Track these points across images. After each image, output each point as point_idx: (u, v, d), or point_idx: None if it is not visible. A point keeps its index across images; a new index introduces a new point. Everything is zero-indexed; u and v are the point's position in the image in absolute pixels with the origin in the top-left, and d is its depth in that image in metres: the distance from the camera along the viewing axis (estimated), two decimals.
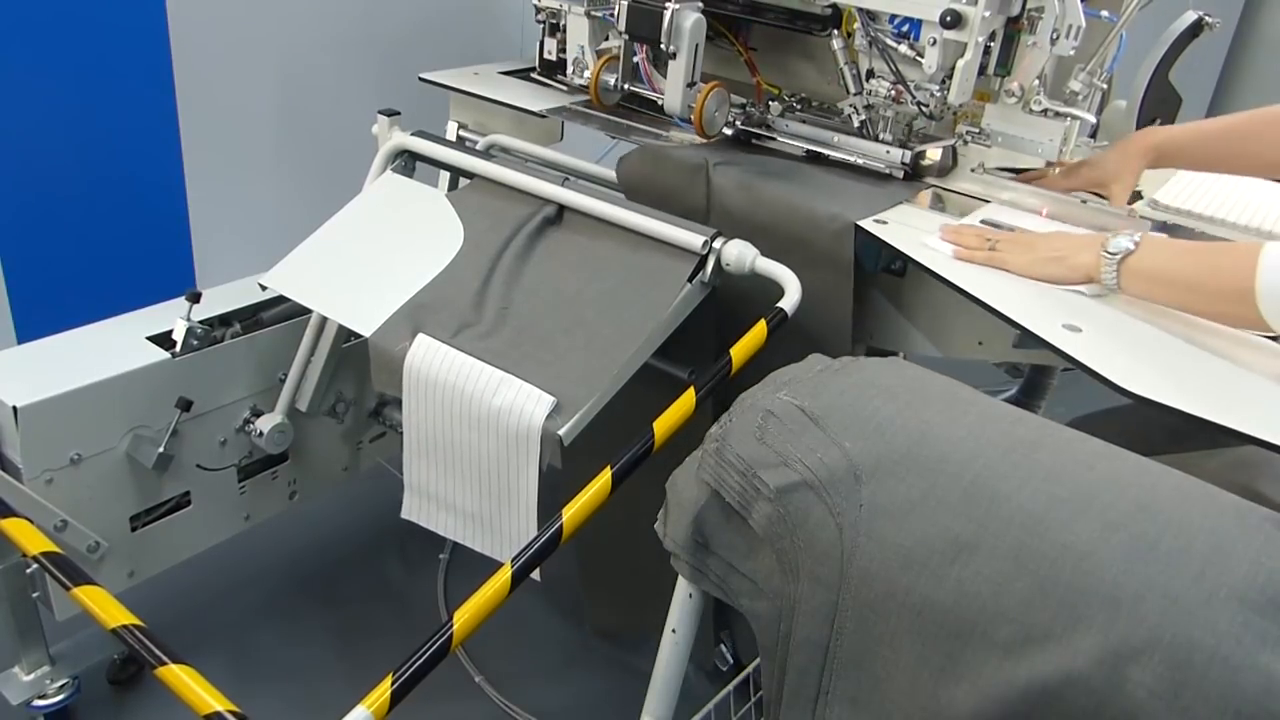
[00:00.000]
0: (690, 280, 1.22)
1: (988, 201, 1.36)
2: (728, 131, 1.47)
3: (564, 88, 1.67)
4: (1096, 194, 1.35)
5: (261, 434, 1.48)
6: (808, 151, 1.44)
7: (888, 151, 1.39)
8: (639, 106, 1.56)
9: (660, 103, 1.44)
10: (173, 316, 1.39)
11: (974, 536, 0.73)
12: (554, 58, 1.65)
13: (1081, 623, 0.67)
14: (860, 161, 1.41)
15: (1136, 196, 1.44)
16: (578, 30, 1.52)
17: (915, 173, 1.40)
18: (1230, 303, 0.96)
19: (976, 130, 1.34)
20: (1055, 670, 0.68)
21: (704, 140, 1.46)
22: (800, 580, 0.82)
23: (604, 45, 1.53)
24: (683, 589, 0.97)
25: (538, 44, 1.69)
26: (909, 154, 1.37)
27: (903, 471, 0.78)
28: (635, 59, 1.48)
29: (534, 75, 1.74)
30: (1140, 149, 1.30)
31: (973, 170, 1.42)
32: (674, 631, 0.99)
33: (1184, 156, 1.31)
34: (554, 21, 1.63)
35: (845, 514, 0.79)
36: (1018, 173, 1.44)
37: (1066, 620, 0.68)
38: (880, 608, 0.77)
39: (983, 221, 1.27)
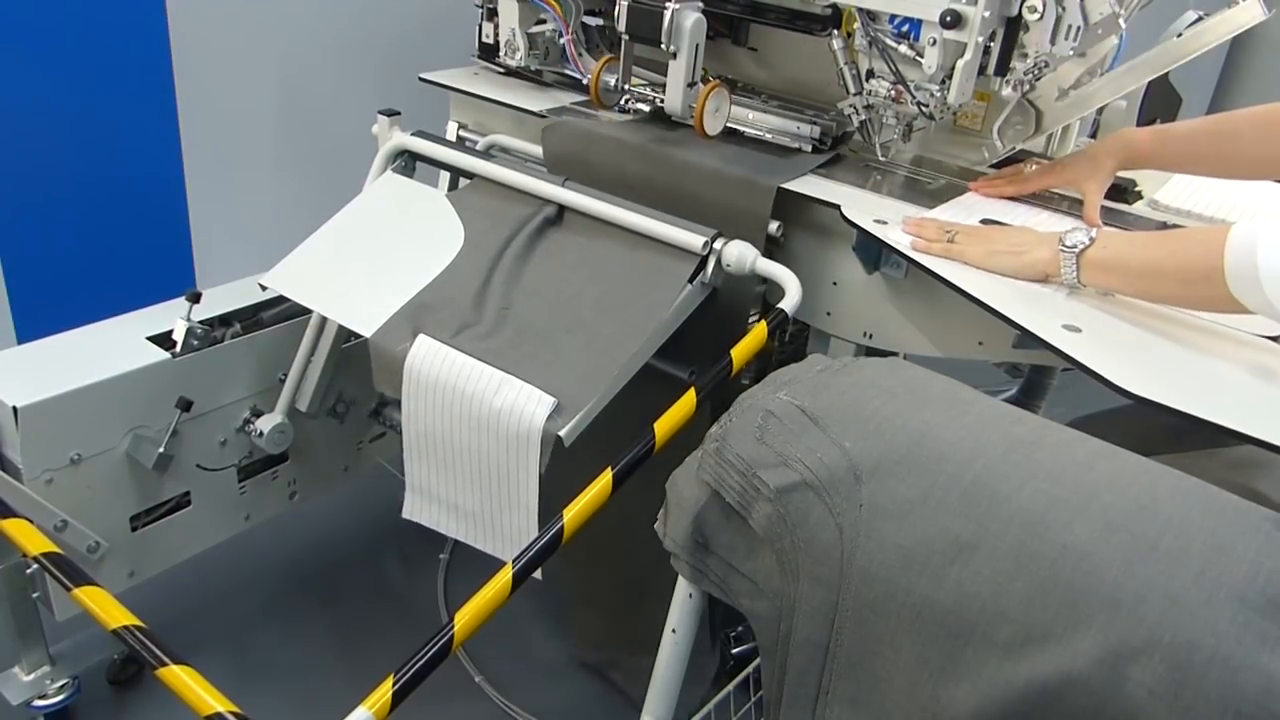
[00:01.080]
0: (691, 281, 1.22)
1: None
2: (644, 107, 1.51)
3: (501, 69, 1.74)
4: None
5: (261, 434, 1.48)
6: (725, 129, 1.49)
7: (798, 127, 1.46)
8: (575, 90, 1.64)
9: (585, 83, 1.50)
10: (173, 316, 1.39)
11: (974, 537, 0.73)
12: (491, 41, 1.72)
13: (1081, 623, 0.67)
14: (769, 137, 1.48)
15: (1137, 197, 1.44)
16: (509, 13, 1.60)
17: (833, 145, 1.46)
18: (1196, 284, 0.96)
19: (1042, 66, 1.24)
20: (1055, 670, 0.68)
21: (626, 119, 1.50)
22: (800, 580, 0.82)
23: (534, 29, 1.61)
24: (683, 589, 0.97)
25: (477, 28, 1.75)
26: (818, 129, 1.45)
27: (903, 472, 0.78)
28: (561, 40, 1.55)
29: (473, 58, 1.78)
30: (1113, 149, 1.30)
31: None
32: (674, 631, 0.99)
33: (1160, 157, 1.30)
34: (491, 6, 1.70)
35: (845, 514, 0.79)
36: (1001, 165, 1.45)
37: (1067, 620, 0.68)
38: (880, 608, 0.77)
39: (982, 221, 1.27)
